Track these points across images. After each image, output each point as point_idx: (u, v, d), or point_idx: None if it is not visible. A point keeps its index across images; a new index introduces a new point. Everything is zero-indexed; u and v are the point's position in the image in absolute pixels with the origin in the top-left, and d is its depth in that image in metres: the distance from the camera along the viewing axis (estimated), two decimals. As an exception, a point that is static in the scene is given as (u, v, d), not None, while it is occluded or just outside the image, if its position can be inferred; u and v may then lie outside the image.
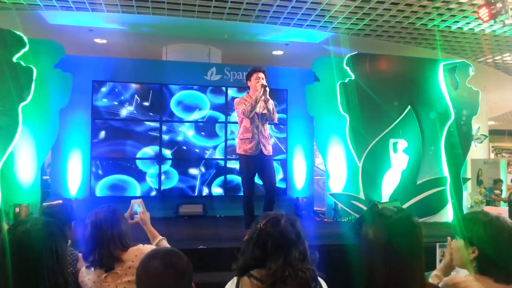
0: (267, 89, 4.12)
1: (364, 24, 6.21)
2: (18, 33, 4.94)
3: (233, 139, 6.35)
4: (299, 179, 6.65)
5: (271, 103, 4.19)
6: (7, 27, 4.98)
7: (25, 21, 5.51)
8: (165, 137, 6.22)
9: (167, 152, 6.22)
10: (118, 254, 1.97)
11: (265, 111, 4.20)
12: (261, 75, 4.20)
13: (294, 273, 1.50)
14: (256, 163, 4.17)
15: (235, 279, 1.59)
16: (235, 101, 4.29)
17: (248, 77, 4.30)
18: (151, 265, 1.38)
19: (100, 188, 5.98)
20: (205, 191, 6.32)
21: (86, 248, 2.01)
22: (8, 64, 4.80)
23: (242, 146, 4.19)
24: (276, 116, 4.29)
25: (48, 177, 6.49)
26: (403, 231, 1.50)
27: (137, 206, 2.47)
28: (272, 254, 1.53)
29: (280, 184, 6.56)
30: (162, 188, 6.16)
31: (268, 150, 4.21)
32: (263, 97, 4.11)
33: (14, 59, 4.88)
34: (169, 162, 6.23)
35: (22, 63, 4.91)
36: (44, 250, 1.49)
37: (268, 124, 4.35)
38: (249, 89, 4.31)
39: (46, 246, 1.50)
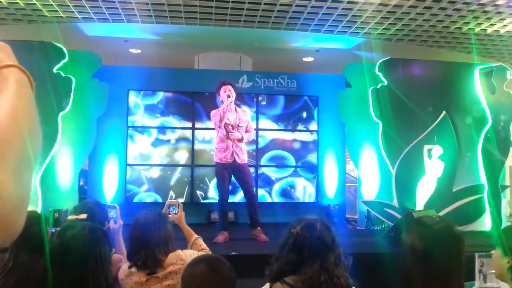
0: (234, 135, 4.55)
1: (396, 29, 6.13)
2: (58, 45, 5.15)
3: (265, 145, 6.41)
4: (330, 186, 6.59)
5: (244, 138, 4.63)
6: (48, 40, 5.20)
7: (65, 33, 5.72)
8: (197, 144, 6.31)
9: (199, 159, 6.31)
10: (160, 258, 2.02)
11: (240, 123, 4.60)
12: (229, 87, 4.57)
13: (330, 279, 1.49)
14: (229, 170, 4.57)
15: (267, 285, 1.59)
16: (212, 113, 4.68)
17: (217, 91, 4.66)
18: (197, 269, 1.43)
19: (135, 195, 6.13)
20: (237, 198, 6.36)
21: (131, 248, 2.07)
22: (49, 75, 5.00)
23: (217, 154, 4.60)
24: (250, 138, 4.80)
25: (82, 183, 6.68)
26: (443, 242, 1.45)
27: (173, 208, 2.52)
28: (309, 258, 1.52)
29: (311, 191, 6.54)
30: (195, 193, 6.24)
31: (242, 158, 4.58)
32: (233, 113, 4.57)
33: (55, 70, 5.08)
34: (202, 168, 6.31)
35: (62, 73, 5.11)
36: (90, 254, 1.56)
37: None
38: (222, 102, 4.66)
39: (92, 250, 1.56)
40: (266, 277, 1.61)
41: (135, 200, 6.09)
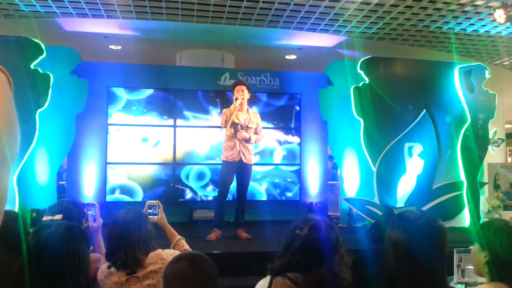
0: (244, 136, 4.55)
1: (378, 28, 6.18)
2: (36, 40, 5.02)
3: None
4: (312, 183, 6.62)
5: (252, 139, 4.62)
6: (25, 35, 5.07)
7: (43, 29, 5.60)
8: (179, 142, 6.25)
9: (181, 158, 6.25)
10: (141, 257, 1.98)
11: (249, 124, 4.61)
12: (241, 87, 4.64)
13: (334, 279, 1.49)
14: (235, 169, 4.60)
15: (268, 277, 1.58)
16: (222, 111, 4.73)
17: (232, 91, 4.74)
18: (180, 266, 1.41)
19: (115, 193, 6.04)
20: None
21: (110, 247, 2.03)
22: (26, 71, 4.86)
23: (224, 153, 4.62)
24: (259, 140, 4.79)
25: (64, 182, 6.56)
26: (428, 235, 1.46)
27: (154, 208, 2.47)
28: (316, 260, 1.51)
29: (293, 189, 6.55)
30: (176, 192, 6.19)
31: (248, 159, 4.60)
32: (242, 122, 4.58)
33: (32, 66, 4.95)
34: (183, 167, 6.25)
35: (39, 70, 4.98)
36: (67, 253, 1.52)
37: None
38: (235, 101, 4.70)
39: (69, 249, 1.53)
40: (267, 271, 1.59)
41: (115, 199, 6.00)
